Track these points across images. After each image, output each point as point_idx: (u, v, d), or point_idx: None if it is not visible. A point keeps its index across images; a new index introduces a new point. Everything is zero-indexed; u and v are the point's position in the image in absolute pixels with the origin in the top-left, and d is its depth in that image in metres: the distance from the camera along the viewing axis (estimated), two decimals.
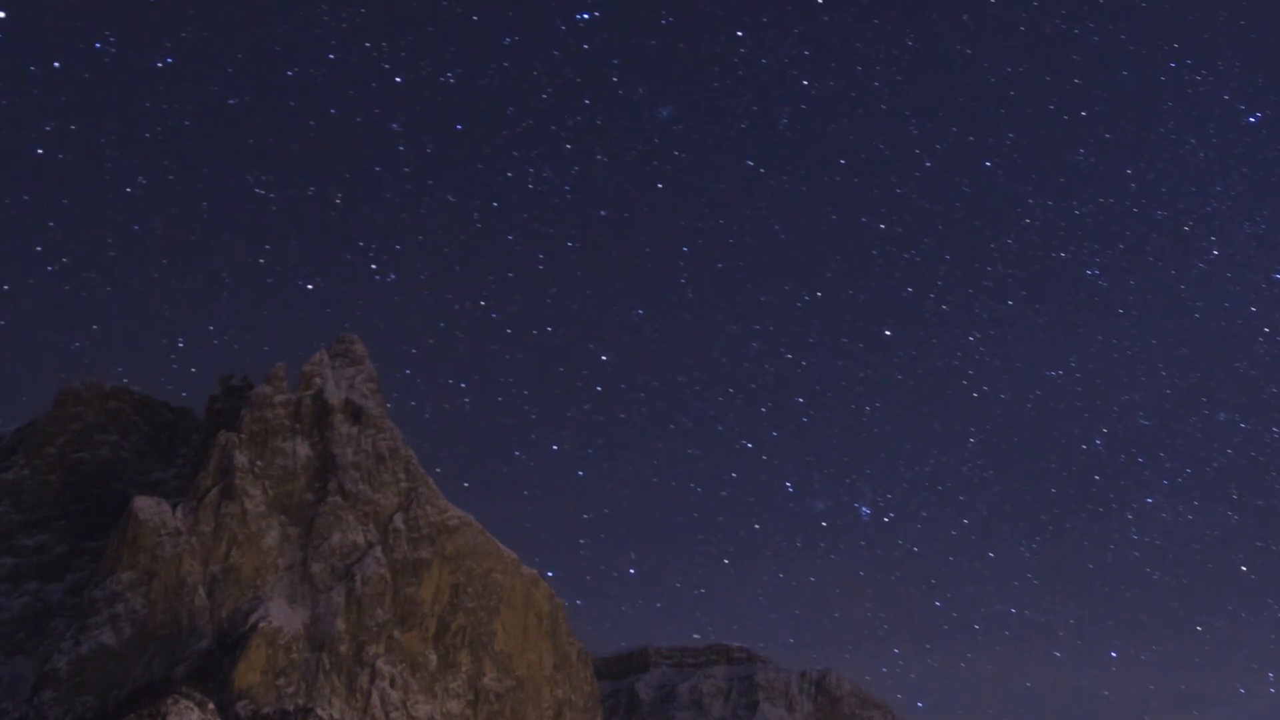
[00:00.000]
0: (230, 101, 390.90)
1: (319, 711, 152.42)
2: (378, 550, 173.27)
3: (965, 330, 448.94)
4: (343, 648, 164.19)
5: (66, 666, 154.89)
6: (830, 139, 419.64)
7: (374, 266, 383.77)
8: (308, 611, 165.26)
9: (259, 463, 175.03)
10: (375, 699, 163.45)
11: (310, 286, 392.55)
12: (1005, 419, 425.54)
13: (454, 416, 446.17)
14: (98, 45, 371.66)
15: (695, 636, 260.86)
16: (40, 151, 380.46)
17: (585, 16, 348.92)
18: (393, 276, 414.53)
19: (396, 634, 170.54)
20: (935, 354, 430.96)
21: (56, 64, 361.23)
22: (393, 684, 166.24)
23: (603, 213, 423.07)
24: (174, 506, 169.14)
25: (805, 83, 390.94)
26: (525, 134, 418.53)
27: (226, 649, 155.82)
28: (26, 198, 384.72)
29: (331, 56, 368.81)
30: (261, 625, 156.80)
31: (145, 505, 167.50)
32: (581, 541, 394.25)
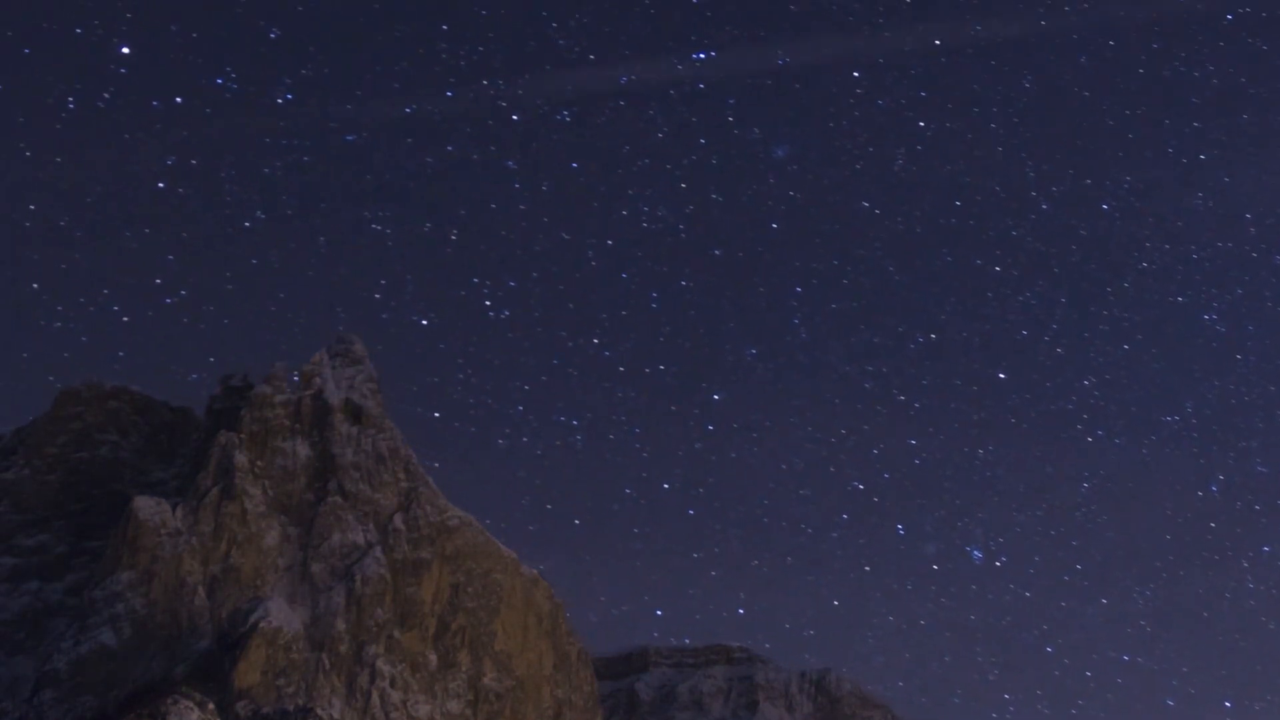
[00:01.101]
0: (348, 138, 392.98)
1: (319, 711, 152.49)
2: (378, 550, 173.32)
3: (1080, 374, 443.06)
4: (343, 648, 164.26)
5: (66, 666, 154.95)
6: (946, 180, 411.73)
7: (488, 303, 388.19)
8: (308, 611, 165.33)
9: (259, 463, 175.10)
10: (375, 699, 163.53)
11: (424, 322, 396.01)
12: (1120, 464, 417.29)
13: (566, 453, 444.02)
14: (219, 81, 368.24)
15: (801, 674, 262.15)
16: (161, 185, 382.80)
17: (701, 56, 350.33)
18: (506, 313, 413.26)
19: (396, 634, 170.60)
20: (1049, 398, 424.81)
21: (179, 99, 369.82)
22: (393, 684, 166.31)
23: (717, 252, 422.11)
24: (174, 506, 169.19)
25: (921, 124, 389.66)
26: (640, 172, 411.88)
27: (226, 649, 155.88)
28: (147, 231, 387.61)
29: (449, 94, 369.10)
30: (261, 625, 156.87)
31: (145, 505, 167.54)
32: (691, 580, 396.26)
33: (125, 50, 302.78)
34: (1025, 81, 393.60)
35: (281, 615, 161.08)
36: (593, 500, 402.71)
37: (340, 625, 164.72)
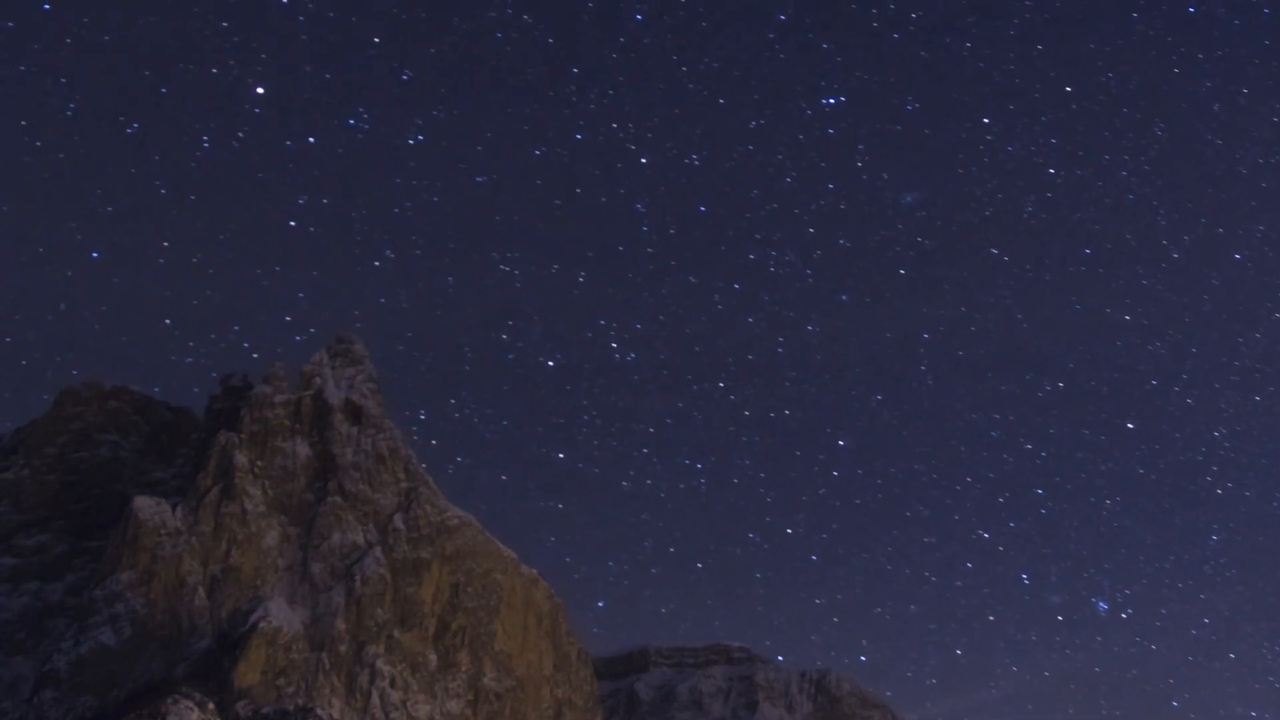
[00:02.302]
0: (478, 179, 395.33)
1: (319, 711, 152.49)
2: (378, 550, 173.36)
3: (1210, 425, 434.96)
4: (343, 648, 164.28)
5: (66, 666, 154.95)
6: (1075, 228, 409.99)
7: (614, 345, 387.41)
8: (308, 611, 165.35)
9: (259, 463, 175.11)
10: (375, 699, 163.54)
11: (551, 363, 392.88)
12: (1250, 517, 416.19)
13: (690, 497, 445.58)
14: (351, 122, 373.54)
15: None
16: (292, 224, 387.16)
17: (831, 101, 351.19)
18: (632, 356, 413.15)
19: (396, 634, 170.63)
20: (1178, 448, 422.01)
21: (311, 139, 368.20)
22: (393, 684, 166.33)
23: (844, 297, 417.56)
24: (174, 506, 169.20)
25: (1051, 171, 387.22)
26: (768, 217, 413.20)
27: (226, 649, 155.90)
28: (278, 269, 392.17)
29: (579, 136, 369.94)
30: (261, 625, 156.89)
31: (145, 505, 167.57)
32: (813, 626, 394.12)
33: (260, 90, 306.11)
34: (1157, 129, 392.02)
35: (281, 615, 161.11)
36: (716, 544, 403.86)
37: (340, 625, 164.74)
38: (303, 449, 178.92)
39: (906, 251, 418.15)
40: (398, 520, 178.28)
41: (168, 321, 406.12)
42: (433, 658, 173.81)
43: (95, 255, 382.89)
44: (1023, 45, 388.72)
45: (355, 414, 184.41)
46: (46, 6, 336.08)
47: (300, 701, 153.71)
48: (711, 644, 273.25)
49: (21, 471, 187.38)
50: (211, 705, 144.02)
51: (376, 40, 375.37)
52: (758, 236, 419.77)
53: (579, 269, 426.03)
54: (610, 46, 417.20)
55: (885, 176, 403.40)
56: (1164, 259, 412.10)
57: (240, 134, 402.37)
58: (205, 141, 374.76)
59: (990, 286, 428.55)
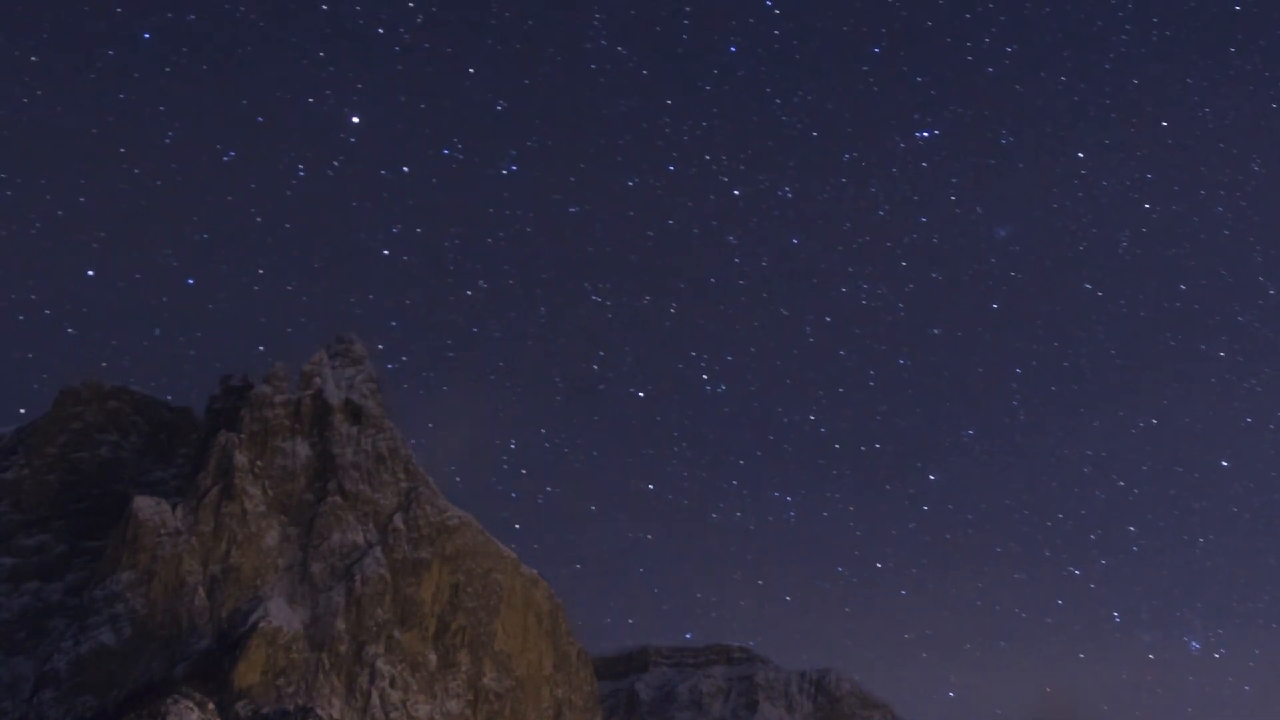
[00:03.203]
0: (571, 209, 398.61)
1: (319, 711, 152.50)
2: (377, 550, 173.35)
3: None
4: (343, 648, 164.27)
5: (66, 666, 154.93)
6: (1170, 263, 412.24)
7: (705, 377, 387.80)
8: (308, 611, 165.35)
9: (259, 463, 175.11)
10: (375, 699, 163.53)
11: (641, 394, 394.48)
12: None
13: (779, 529, 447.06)
14: (446, 151, 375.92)
15: None
16: (386, 253, 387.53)
17: (925, 135, 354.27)
18: (723, 387, 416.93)
19: (396, 634, 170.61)
20: (1274, 487, 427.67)
21: (405, 169, 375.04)
22: (393, 684, 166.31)
23: (936, 331, 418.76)
24: (174, 506, 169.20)
25: (1146, 206, 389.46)
26: (860, 250, 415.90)
27: (226, 649, 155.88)
28: (371, 297, 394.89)
29: (671, 168, 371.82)
30: (261, 625, 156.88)
31: (145, 505, 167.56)
32: (902, 662, 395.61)
33: (355, 120, 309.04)
34: (1254, 164, 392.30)
35: (281, 615, 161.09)
36: (804, 577, 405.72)
37: (340, 625, 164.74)
38: (303, 449, 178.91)
39: (999, 286, 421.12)
40: (398, 520, 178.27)
41: (261, 348, 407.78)
42: (433, 658, 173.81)
43: (191, 282, 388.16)
44: (1118, 79, 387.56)
45: (355, 414, 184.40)
46: (146, 36, 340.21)
47: (300, 701, 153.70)
48: (711, 644, 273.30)
49: (21, 471, 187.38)
50: (211, 705, 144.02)
51: (471, 71, 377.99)
52: (850, 269, 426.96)
53: (670, 300, 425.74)
54: (704, 78, 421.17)
55: (979, 210, 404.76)
56: (1260, 295, 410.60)
57: (335, 163, 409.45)
58: (301, 170, 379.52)
59: (1084, 322, 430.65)
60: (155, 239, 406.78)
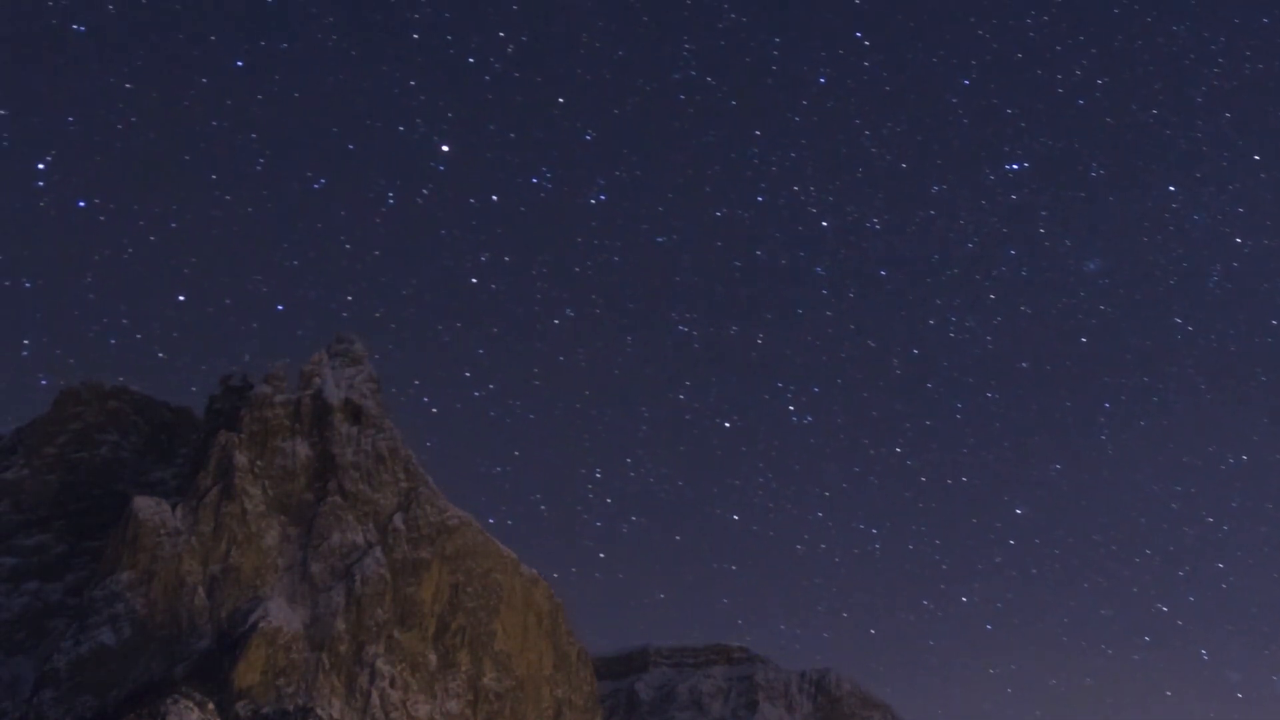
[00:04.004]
0: (659, 239, 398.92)
1: (319, 711, 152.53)
2: (377, 550, 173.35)
3: None
4: (342, 648, 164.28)
5: (66, 666, 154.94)
6: (1262, 298, 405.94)
7: (791, 408, 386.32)
8: (307, 611, 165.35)
9: (259, 463, 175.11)
10: (375, 699, 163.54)
11: (727, 425, 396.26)
12: None
13: (864, 562, 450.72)
14: (534, 180, 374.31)
15: None
16: (474, 281, 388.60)
17: (1015, 167, 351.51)
18: (809, 419, 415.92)
19: (396, 634, 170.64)
20: None
21: (495, 197, 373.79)
22: (392, 684, 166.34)
23: (1024, 364, 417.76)
24: (174, 506, 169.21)
25: (1238, 240, 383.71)
26: (948, 282, 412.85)
27: (226, 649, 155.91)
28: (459, 325, 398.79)
29: (760, 199, 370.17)
30: (261, 625, 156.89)
31: (145, 505, 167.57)
32: (986, 695, 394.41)
33: (445, 148, 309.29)
34: None
35: (281, 615, 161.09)
36: (889, 610, 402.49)
37: (340, 625, 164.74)
38: (303, 449, 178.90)
39: (1088, 319, 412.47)
40: (397, 520, 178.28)
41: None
42: (433, 658, 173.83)
43: (280, 308, 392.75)
44: (1210, 112, 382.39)
45: (355, 414, 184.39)
46: (239, 64, 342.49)
47: (300, 701, 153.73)
48: (711, 644, 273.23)
49: (21, 471, 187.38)
50: (211, 705, 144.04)
51: (561, 100, 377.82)
52: (938, 302, 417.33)
53: (757, 331, 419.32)
54: (793, 109, 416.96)
55: (1068, 243, 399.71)
56: None
57: (425, 191, 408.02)
58: (390, 198, 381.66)
59: (1173, 356, 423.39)
60: (245, 265, 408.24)
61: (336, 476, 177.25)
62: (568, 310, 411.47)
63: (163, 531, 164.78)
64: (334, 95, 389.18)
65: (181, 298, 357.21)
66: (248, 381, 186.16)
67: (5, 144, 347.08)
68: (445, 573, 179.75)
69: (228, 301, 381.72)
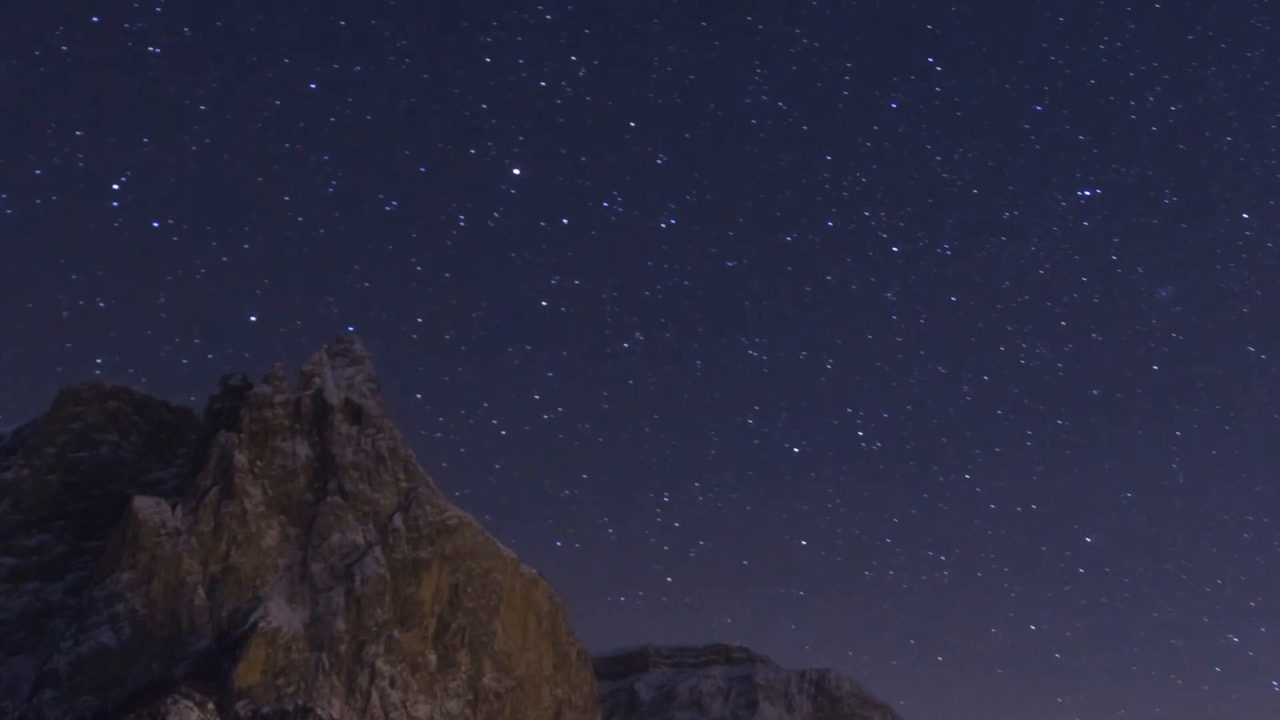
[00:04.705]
0: (729, 264, 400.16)
1: (319, 711, 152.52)
2: (377, 550, 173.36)
3: None
4: (342, 648, 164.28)
5: (66, 666, 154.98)
6: None
7: (860, 434, 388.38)
8: (307, 611, 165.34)
9: (259, 463, 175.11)
10: (375, 699, 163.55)
11: (796, 450, 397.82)
12: None
13: (931, 588, 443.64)
14: (605, 204, 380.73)
15: None
16: (544, 304, 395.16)
17: (1087, 193, 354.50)
18: (879, 445, 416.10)
19: (396, 634, 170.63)
20: None
21: (565, 220, 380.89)
22: (392, 684, 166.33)
23: (1095, 392, 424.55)
24: (174, 506, 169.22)
25: None
26: (1019, 308, 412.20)
27: (226, 649, 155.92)
28: (529, 347, 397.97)
29: (830, 224, 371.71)
30: (261, 625, 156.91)
31: (145, 505, 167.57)
32: None
33: (516, 171, 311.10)
34: None
35: (281, 615, 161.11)
36: (957, 637, 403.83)
37: (340, 625, 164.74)
38: (302, 449, 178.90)
39: (1160, 347, 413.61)
40: (397, 520, 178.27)
41: (419, 396, 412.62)
42: (433, 658, 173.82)
43: (351, 329, 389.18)
44: None
45: (355, 414, 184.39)
46: (313, 86, 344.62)
47: (300, 701, 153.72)
48: (711, 644, 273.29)
49: (21, 471, 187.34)
50: (211, 705, 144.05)
51: (632, 124, 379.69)
52: (1009, 328, 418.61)
53: (827, 356, 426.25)
54: (864, 134, 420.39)
55: (1140, 270, 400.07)
56: None
57: (496, 214, 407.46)
58: (461, 220, 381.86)
59: (1246, 385, 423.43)
60: (317, 286, 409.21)
61: (336, 476, 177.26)
62: (637, 334, 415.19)
63: (163, 531, 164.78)
64: (406, 118, 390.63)
65: (254, 318, 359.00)
66: (247, 381, 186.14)
67: (81, 165, 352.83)
68: (445, 573, 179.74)
69: (299, 322, 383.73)
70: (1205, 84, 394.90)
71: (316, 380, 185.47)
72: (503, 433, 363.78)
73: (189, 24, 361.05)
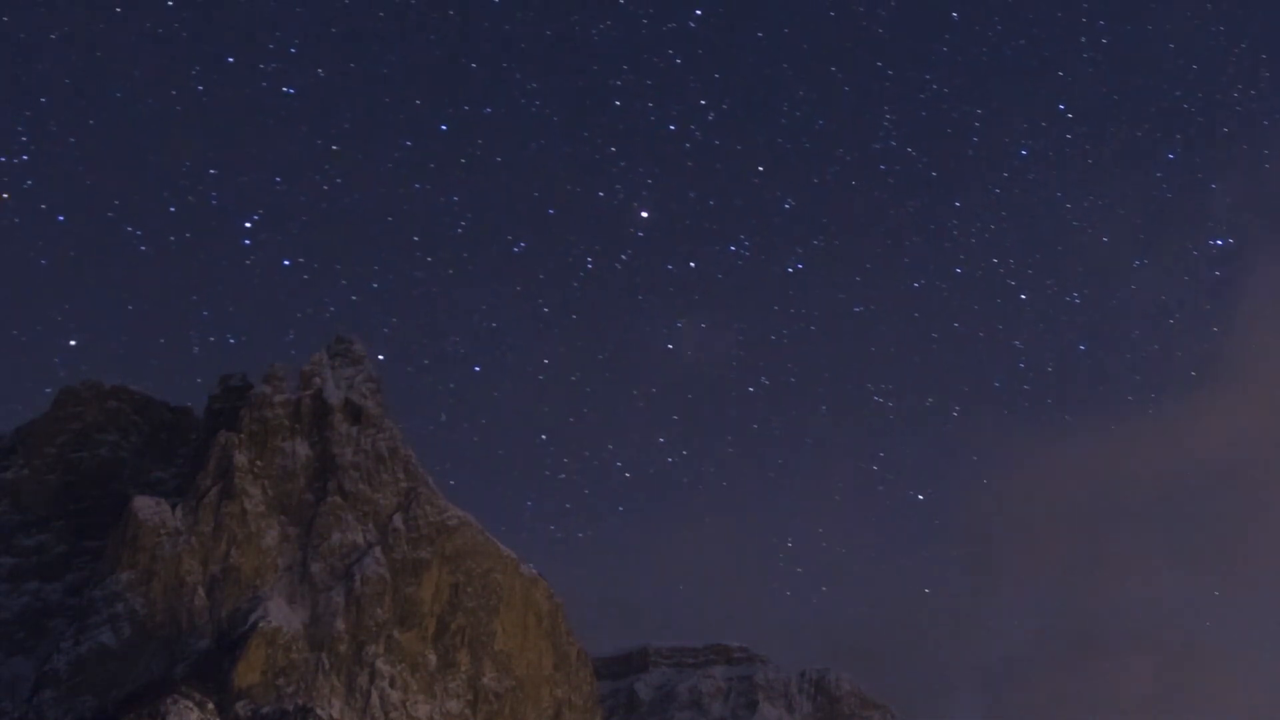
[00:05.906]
0: (856, 309, 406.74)
1: (318, 711, 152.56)
2: (377, 550, 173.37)
3: None
4: (342, 648, 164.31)
5: (66, 666, 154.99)
6: None
7: (985, 480, 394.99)
8: (307, 611, 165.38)
9: (259, 463, 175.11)
10: (375, 699, 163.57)
11: (920, 497, 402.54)
12: None
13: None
14: (732, 248, 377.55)
15: None
16: (670, 347, 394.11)
17: (1219, 243, 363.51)
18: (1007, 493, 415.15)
19: (396, 634, 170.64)
20: None
21: (692, 264, 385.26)
22: (392, 684, 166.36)
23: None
24: (174, 506, 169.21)
25: None
26: (1149, 358, 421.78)
27: (226, 649, 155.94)
28: (654, 390, 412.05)
29: (958, 270, 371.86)
30: (261, 625, 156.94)
31: (145, 505, 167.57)
32: None
33: (645, 214, 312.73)
34: None
35: (281, 615, 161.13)
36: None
37: (340, 625, 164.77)
38: (302, 449, 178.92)
39: None
40: (397, 520, 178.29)
41: (544, 437, 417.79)
42: (432, 658, 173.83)
43: (477, 369, 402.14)
44: None
45: (355, 414, 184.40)
46: (444, 128, 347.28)
47: (300, 701, 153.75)
48: (711, 644, 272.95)
49: (21, 471, 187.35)
50: (211, 705, 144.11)
51: (761, 168, 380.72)
52: (1137, 378, 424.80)
53: (954, 403, 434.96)
54: (993, 181, 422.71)
55: (1274, 321, 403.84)
56: None
57: (624, 256, 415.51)
58: (589, 262, 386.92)
59: None
60: (443, 326, 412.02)
61: (336, 476, 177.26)
62: (762, 378, 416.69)
63: (163, 531, 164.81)
64: (535, 160, 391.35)
65: (381, 357, 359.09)
66: (247, 381, 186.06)
67: (214, 203, 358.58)
68: (445, 573, 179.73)
69: (426, 362, 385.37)
70: None
71: (316, 380, 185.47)
72: (626, 475, 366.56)
73: (323, 65, 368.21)
